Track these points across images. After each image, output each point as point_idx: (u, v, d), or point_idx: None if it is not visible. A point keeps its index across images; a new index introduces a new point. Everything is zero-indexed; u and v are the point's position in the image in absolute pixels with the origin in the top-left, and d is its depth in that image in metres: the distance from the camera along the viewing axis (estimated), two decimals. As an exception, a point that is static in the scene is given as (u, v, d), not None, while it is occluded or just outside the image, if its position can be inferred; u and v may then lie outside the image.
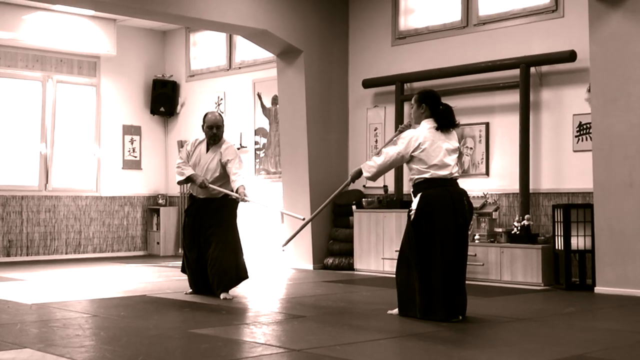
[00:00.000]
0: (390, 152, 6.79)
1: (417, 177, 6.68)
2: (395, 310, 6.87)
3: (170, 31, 14.70)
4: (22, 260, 12.92)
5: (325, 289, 9.01)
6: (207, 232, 8.14)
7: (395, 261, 7.06)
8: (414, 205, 6.65)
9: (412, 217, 6.65)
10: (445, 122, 6.76)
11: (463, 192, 6.78)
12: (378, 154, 7.00)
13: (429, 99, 6.85)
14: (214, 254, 8.04)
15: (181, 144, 14.19)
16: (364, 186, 11.63)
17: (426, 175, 6.62)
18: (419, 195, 6.65)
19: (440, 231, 6.57)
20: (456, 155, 6.78)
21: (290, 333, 6.14)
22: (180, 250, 14.07)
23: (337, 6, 11.92)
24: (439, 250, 6.56)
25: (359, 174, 7.03)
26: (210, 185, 8.07)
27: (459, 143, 7.36)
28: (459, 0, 10.68)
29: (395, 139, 6.93)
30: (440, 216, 6.58)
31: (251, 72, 13.26)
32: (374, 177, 6.94)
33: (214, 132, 8.20)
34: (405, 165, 6.97)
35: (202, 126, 8.29)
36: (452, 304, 6.55)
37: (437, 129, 6.72)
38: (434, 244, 6.56)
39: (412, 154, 6.66)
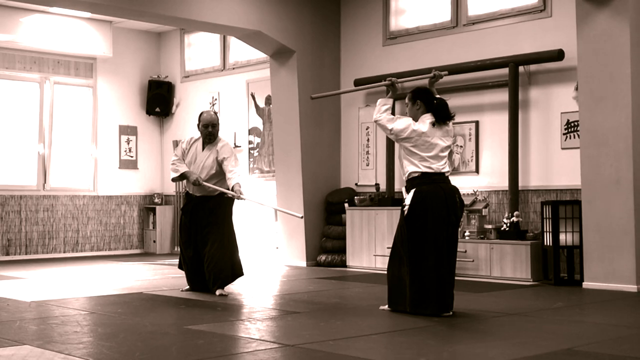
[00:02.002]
0: (388, 125, 6.84)
1: (411, 171, 6.72)
2: (387, 306, 6.92)
3: (165, 33, 14.73)
4: (21, 258, 12.97)
5: (318, 286, 9.05)
6: (203, 230, 8.21)
7: (387, 258, 7.09)
8: (408, 201, 6.69)
9: (406, 212, 6.68)
10: (442, 115, 6.81)
11: (455, 189, 6.83)
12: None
13: (423, 95, 6.92)
14: (211, 252, 8.10)
15: (176, 144, 14.25)
16: (356, 184, 11.76)
17: (422, 170, 6.67)
18: (412, 190, 6.68)
19: (433, 227, 6.61)
20: (448, 152, 6.84)
21: (284, 329, 6.19)
22: (176, 248, 14.16)
23: (329, 7, 11.97)
24: (431, 246, 6.59)
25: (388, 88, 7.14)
26: (205, 183, 8.13)
27: (451, 141, 7.41)
28: (449, 1, 10.72)
29: (396, 116, 6.96)
30: (434, 212, 6.62)
31: (245, 72, 13.30)
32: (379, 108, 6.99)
33: (209, 130, 8.26)
34: (397, 161, 7.02)
35: (198, 125, 8.36)
36: (442, 299, 6.60)
37: (433, 124, 6.76)
38: (427, 240, 6.60)
39: (408, 136, 6.70)
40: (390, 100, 7.05)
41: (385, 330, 6.16)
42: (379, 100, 7.03)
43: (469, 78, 10.43)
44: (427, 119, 6.80)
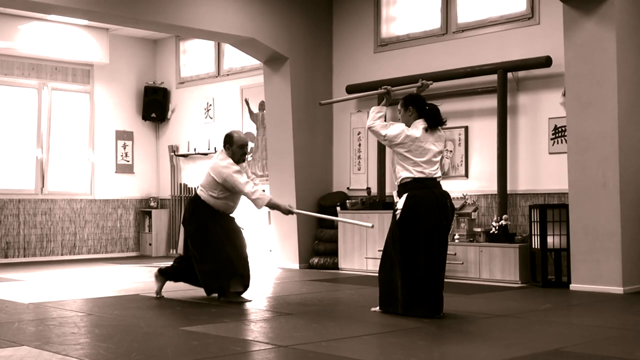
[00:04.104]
0: (381, 132, 6.90)
1: (404, 176, 6.78)
2: (378, 308, 6.97)
3: (161, 40, 14.81)
4: (19, 261, 13.04)
5: (311, 288, 9.10)
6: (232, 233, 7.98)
7: (378, 260, 7.14)
8: (400, 205, 6.72)
9: (398, 216, 6.73)
10: (434, 120, 6.87)
11: (446, 194, 6.89)
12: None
13: (414, 101, 6.97)
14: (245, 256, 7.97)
15: (172, 149, 14.41)
16: (347, 188, 11.84)
17: (414, 175, 6.73)
18: (405, 195, 6.73)
19: (424, 231, 6.65)
20: (440, 157, 6.93)
21: (278, 330, 6.22)
22: (172, 251, 14.25)
23: (322, 15, 12.05)
24: (422, 249, 6.64)
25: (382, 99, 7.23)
26: (296, 211, 8.08)
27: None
28: (439, 8, 10.79)
29: (388, 123, 6.99)
30: (426, 216, 6.66)
31: (239, 78, 13.39)
32: (372, 118, 7.03)
33: (244, 151, 7.87)
34: (389, 166, 7.07)
35: (228, 147, 7.80)
36: (433, 301, 6.65)
37: (426, 130, 6.83)
38: (418, 243, 6.65)
39: (401, 142, 6.76)
40: (384, 108, 7.11)
41: (376, 331, 6.18)
42: (373, 108, 7.11)
43: (459, 84, 10.49)
44: (420, 125, 6.87)
